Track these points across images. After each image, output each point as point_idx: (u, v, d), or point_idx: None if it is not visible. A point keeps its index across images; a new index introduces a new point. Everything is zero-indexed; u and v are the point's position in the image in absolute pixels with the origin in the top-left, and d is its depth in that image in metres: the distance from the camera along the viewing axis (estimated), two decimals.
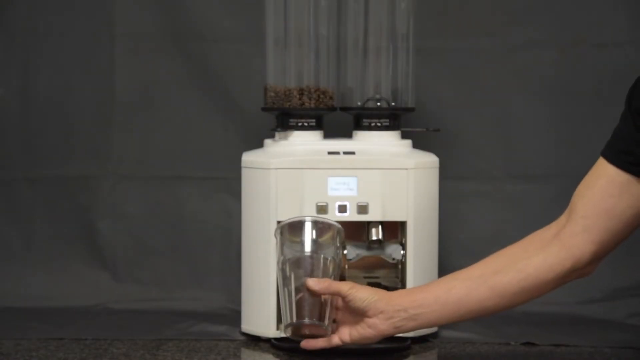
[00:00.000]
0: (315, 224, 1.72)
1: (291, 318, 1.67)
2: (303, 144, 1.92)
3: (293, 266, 1.69)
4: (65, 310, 2.08)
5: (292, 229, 1.73)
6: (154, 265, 2.17)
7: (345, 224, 1.78)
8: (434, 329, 1.88)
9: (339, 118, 1.99)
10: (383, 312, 1.63)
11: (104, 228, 2.18)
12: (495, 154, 2.17)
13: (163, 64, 2.17)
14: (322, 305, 1.66)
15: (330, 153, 1.88)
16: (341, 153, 1.88)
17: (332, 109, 1.96)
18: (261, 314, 1.87)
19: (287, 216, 1.79)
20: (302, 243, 1.71)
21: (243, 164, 1.90)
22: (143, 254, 2.18)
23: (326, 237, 1.72)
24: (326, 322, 1.67)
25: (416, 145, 1.96)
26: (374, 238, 1.88)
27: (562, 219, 1.62)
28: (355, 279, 1.88)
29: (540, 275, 1.59)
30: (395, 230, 1.90)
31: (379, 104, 1.95)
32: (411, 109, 1.97)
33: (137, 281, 2.17)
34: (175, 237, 2.18)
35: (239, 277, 1.93)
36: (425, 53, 2.05)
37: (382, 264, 1.93)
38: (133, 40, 2.17)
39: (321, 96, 1.94)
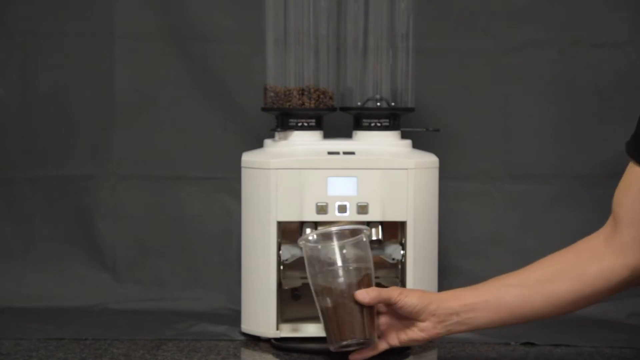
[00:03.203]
0: (341, 234, 1.69)
1: (336, 338, 1.66)
2: (303, 144, 1.92)
3: (326, 282, 1.67)
4: (65, 310, 2.08)
5: (318, 244, 1.70)
6: (154, 265, 2.17)
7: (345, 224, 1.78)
8: None
9: (339, 118, 1.99)
10: (435, 315, 1.63)
11: (104, 228, 2.17)
12: (495, 154, 2.17)
13: (163, 64, 2.17)
14: (365, 319, 1.65)
15: (330, 153, 1.88)
16: (341, 153, 1.88)
17: (332, 109, 1.96)
18: (261, 314, 1.87)
19: (287, 216, 1.79)
20: (331, 257, 1.68)
21: (243, 164, 1.90)
22: (143, 254, 2.18)
23: (354, 244, 1.70)
24: (373, 334, 1.66)
25: (416, 145, 1.96)
26: (374, 238, 1.88)
27: (608, 226, 1.59)
28: None
29: (597, 285, 1.57)
30: (395, 230, 1.90)
31: (378, 104, 1.95)
32: (411, 109, 1.97)
33: (137, 281, 2.17)
34: (175, 237, 2.18)
35: (239, 277, 1.93)
36: (425, 53, 2.05)
37: (382, 264, 1.92)
38: (133, 40, 2.16)
39: (321, 96, 1.94)
